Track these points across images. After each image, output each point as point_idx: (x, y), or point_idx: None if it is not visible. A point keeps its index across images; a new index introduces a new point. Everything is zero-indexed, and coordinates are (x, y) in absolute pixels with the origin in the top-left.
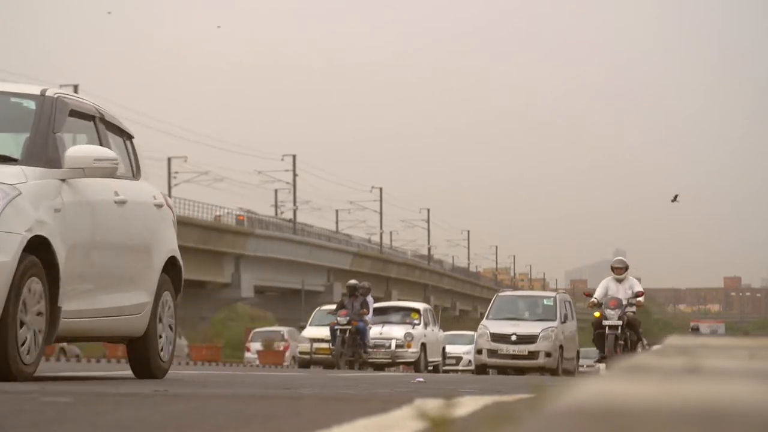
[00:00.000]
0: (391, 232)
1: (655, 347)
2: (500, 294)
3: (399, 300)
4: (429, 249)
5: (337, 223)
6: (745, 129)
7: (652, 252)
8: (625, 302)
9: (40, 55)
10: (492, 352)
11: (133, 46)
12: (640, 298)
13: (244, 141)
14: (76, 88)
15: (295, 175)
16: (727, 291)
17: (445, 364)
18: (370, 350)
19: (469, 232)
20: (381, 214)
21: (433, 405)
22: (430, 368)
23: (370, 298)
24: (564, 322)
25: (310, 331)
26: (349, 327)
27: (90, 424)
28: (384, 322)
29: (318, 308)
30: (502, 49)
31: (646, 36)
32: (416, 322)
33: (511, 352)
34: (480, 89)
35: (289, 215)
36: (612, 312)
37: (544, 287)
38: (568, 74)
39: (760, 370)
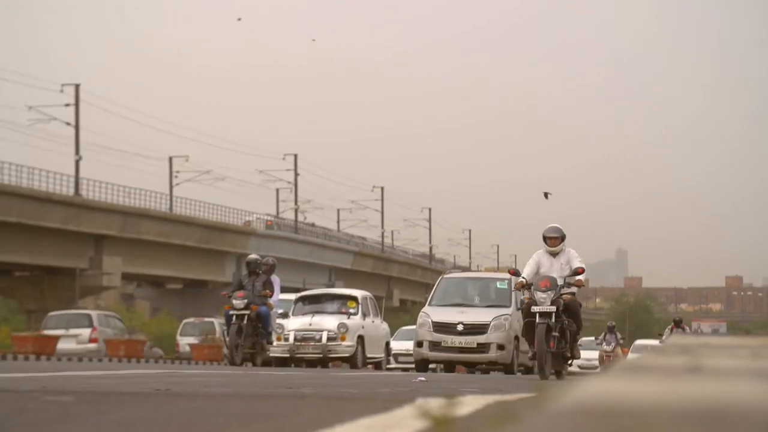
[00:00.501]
0: (392, 232)
1: (640, 342)
2: (446, 276)
3: (400, 299)
4: (430, 248)
5: (338, 222)
6: (747, 128)
7: (653, 251)
8: (560, 282)
9: (41, 54)
10: (434, 345)
11: (135, 45)
12: (580, 276)
13: (245, 140)
14: (77, 88)
15: (296, 174)
16: (729, 290)
17: (390, 362)
18: (301, 344)
19: (470, 231)
20: (382, 213)
21: (435, 404)
22: (370, 366)
23: (275, 277)
24: (521, 308)
25: None
26: (248, 312)
27: (92, 423)
28: (315, 312)
29: None
30: (502, 49)
31: (645, 36)
32: (353, 311)
33: (458, 345)
34: (481, 89)
35: (309, 218)
36: (543, 295)
37: None
38: (568, 74)
39: (762, 369)
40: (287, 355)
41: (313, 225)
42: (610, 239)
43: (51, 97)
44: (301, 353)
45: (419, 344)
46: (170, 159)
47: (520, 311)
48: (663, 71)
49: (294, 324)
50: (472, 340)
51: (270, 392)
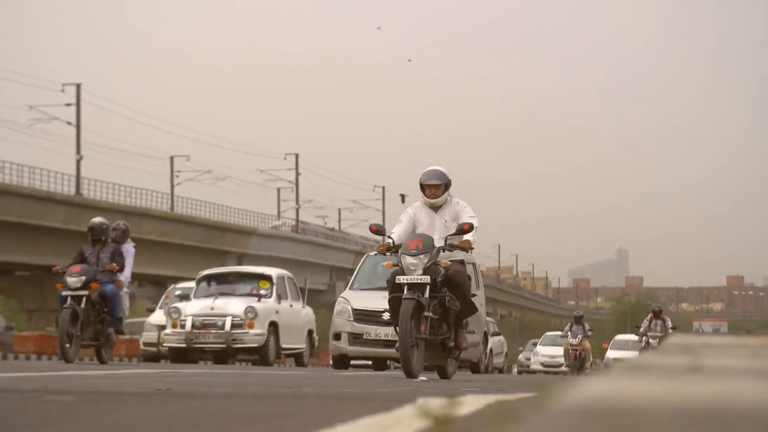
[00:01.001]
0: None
1: (621, 337)
2: (372, 253)
3: None
4: None
5: (339, 222)
6: (747, 127)
7: (654, 251)
8: (439, 242)
9: (42, 54)
10: (355, 337)
11: (136, 45)
12: (469, 236)
13: (246, 140)
14: (78, 88)
15: (297, 174)
16: (730, 290)
17: (313, 354)
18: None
19: None
20: (383, 212)
21: (436, 404)
22: (284, 360)
23: (128, 247)
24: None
25: (159, 317)
26: (87, 292)
27: (93, 423)
28: (220, 294)
29: (173, 285)
30: (502, 49)
31: (645, 36)
32: (265, 293)
33: (383, 337)
34: (482, 89)
35: (329, 223)
36: (413, 260)
37: (546, 286)
38: (568, 74)
39: (763, 368)
40: (183, 345)
41: (332, 229)
42: (611, 239)
43: (52, 96)
44: (201, 343)
45: (336, 336)
46: (171, 158)
47: None
48: (663, 71)
49: (193, 308)
50: None
51: (270, 392)
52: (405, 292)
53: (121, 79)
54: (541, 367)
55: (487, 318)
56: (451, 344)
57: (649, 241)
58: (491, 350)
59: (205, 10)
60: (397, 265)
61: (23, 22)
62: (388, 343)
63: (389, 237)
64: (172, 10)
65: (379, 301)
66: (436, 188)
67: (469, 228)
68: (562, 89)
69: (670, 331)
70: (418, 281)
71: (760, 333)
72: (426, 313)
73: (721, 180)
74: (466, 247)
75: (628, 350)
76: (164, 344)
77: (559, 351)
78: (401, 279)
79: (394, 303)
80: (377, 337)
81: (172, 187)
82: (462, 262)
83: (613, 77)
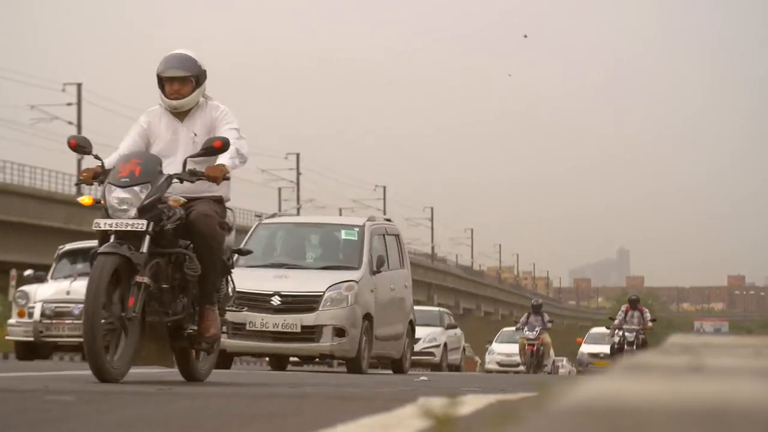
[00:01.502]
0: None
1: (596, 330)
2: (265, 221)
3: None
4: (432, 247)
5: None
6: (748, 127)
7: (655, 251)
8: (175, 168)
9: (42, 54)
10: (237, 329)
11: (137, 45)
12: (225, 158)
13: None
14: (79, 87)
15: (298, 173)
16: (731, 289)
17: None
18: None
19: (472, 230)
20: (384, 212)
21: (437, 403)
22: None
23: None
24: (378, 271)
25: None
26: None
27: (94, 423)
28: (80, 275)
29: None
30: (502, 49)
31: (645, 36)
32: None
33: (271, 328)
34: (482, 89)
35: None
36: (123, 196)
37: (547, 285)
38: (568, 74)
39: (764, 368)
40: (31, 339)
41: None
42: (612, 239)
43: (53, 96)
44: (53, 336)
45: None
46: None
47: (379, 275)
48: (663, 71)
49: (45, 292)
50: (294, 321)
51: (271, 392)
52: (110, 243)
53: (122, 78)
54: (497, 367)
55: (442, 308)
56: (192, 330)
57: (650, 241)
58: (445, 345)
59: (206, 10)
60: (100, 202)
61: (24, 21)
62: (278, 336)
63: (97, 158)
64: (172, 10)
65: (269, 281)
66: (180, 83)
67: (222, 145)
68: (562, 89)
69: (650, 324)
70: (129, 227)
71: (761, 333)
72: (140, 279)
73: (722, 180)
74: (216, 176)
75: (605, 344)
76: (7, 337)
77: (516, 348)
78: (102, 223)
79: (94, 261)
80: (264, 328)
81: None
82: (219, 201)
83: (613, 77)
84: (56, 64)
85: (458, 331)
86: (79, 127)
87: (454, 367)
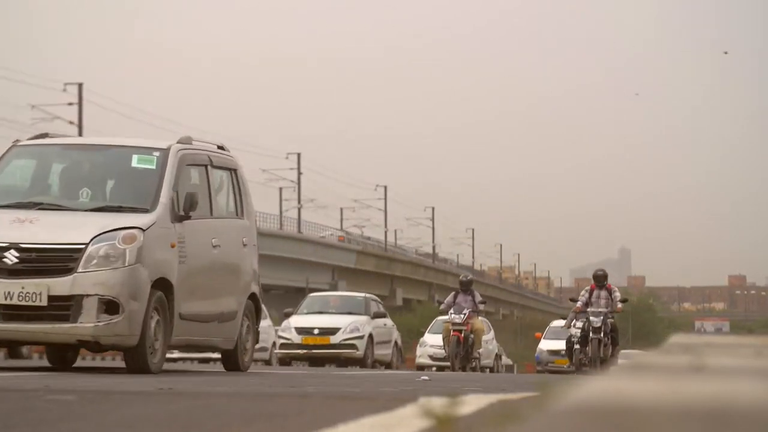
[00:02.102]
0: (395, 231)
1: (556, 323)
2: (22, 143)
3: (404, 298)
4: (434, 247)
5: (341, 221)
6: (750, 126)
7: (656, 250)
8: None
9: (43, 54)
10: None
11: (138, 45)
12: None
13: (248, 139)
14: (80, 87)
15: (299, 173)
16: (732, 289)
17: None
18: None
19: (473, 230)
20: (386, 212)
21: (437, 403)
22: None
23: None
24: (187, 217)
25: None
26: None
27: (95, 422)
28: None
29: None
30: (502, 49)
31: (646, 36)
32: None
33: (1, 300)
34: (482, 89)
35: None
36: None
37: (548, 285)
38: (568, 74)
39: (765, 368)
40: None
41: (369, 239)
42: (613, 238)
43: (54, 96)
44: None
45: None
46: None
47: (180, 221)
48: (663, 71)
49: None
50: (38, 289)
51: (273, 391)
52: None
53: (123, 78)
54: (429, 361)
55: (369, 295)
56: None
57: (652, 241)
58: (371, 337)
59: (207, 10)
60: None
61: (25, 21)
62: (12, 312)
63: None
64: (173, 10)
65: (3, 228)
66: None
67: None
68: (562, 89)
69: (619, 305)
70: None
71: (761, 332)
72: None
73: (723, 179)
74: None
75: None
76: None
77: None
78: None
79: None
80: None
81: None
82: None
83: (613, 77)
84: (57, 64)
85: (388, 321)
86: (80, 127)
87: (385, 365)
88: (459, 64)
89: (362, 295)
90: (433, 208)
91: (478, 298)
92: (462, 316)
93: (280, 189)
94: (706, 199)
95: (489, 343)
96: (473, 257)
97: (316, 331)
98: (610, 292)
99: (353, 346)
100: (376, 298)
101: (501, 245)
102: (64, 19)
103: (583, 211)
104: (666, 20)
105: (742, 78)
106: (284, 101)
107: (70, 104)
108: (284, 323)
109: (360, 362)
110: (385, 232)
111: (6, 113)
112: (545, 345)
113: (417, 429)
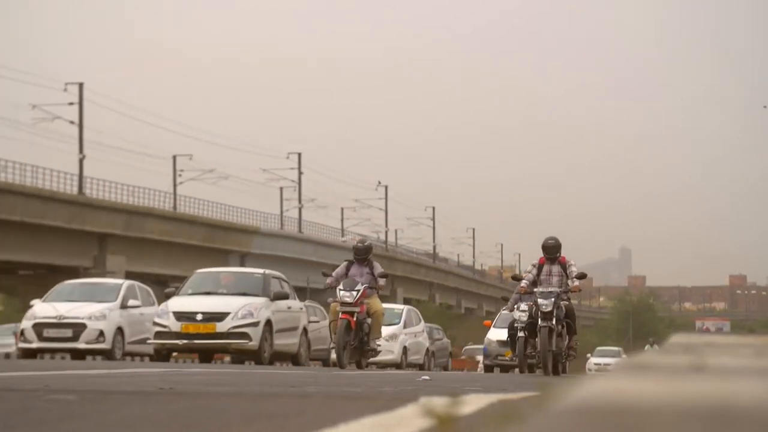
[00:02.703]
0: (396, 230)
1: (505, 313)
2: None
3: (404, 297)
4: (434, 247)
5: (342, 221)
6: (749, 126)
7: (657, 250)
8: None
9: (44, 53)
10: None
11: (138, 44)
12: None
13: (249, 139)
14: (81, 87)
15: (300, 173)
16: (733, 289)
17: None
18: None
19: (474, 230)
20: (386, 212)
21: (438, 403)
22: None
23: None
24: None
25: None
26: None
27: (95, 422)
28: None
29: None
30: (502, 49)
31: (645, 36)
32: None
33: None
34: (482, 89)
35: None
36: None
37: None
38: (568, 74)
39: (766, 368)
40: None
41: (385, 242)
42: (614, 238)
43: (55, 95)
44: None
45: None
46: (174, 158)
47: None
48: (663, 71)
49: None
50: None
51: (273, 391)
52: None
53: (124, 78)
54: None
55: (270, 271)
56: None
57: (652, 241)
58: (270, 324)
59: (208, 9)
60: None
61: (26, 21)
62: None
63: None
64: (174, 10)
65: None
66: None
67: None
68: (562, 89)
69: (576, 282)
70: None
71: (762, 332)
72: None
73: (723, 179)
74: None
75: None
76: None
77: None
78: None
79: None
80: None
81: (175, 186)
82: None
83: (613, 77)
84: (58, 64)
85: (295, 303)
86: (80, 126)
87: (289, 358)
88: (459, 64)
89: (260, 271)
90: (433, 208)
91: (378, 269)
92: (354, 293)
93: (281, 189)
94: (706, 199)
95: (419, 336)
96: (474, 257)
97: (199, 317)
98: (564, 266)
99: (245, 335)
100: (281, 275)
101: (502, 245)
102: (64, 19)
103: (584, 211)
104: (666, 20)
105: (743, 78)
106: (284, 101)
107: (71, 104)
108: (161, 306)
109: (254, 355)
110: (386, 232)
111: (6, 113)
112: (494, 335)
113: (418, 429)
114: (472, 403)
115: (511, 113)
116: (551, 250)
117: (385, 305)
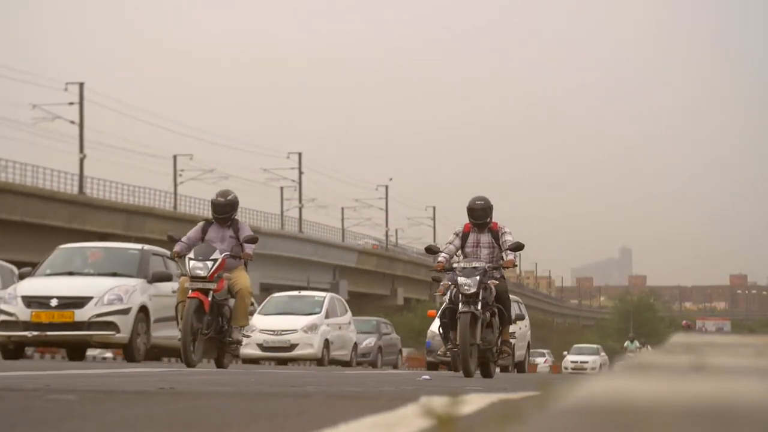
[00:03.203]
0: (396, 230)
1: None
2: None
3: (405, 297)
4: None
5: (342, 221)
6: (750, 126)
7: (657, 250)
8: None
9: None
10: None
11: (139, 44)
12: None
13: (249, 139)
14: (81, 86)
15: (300, 173)
16: (733, 289)
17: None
18: None
19: None
20: (387, 211)
21: (439, 403)
22: None
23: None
24: None
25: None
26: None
27: (96, 422)
28: None
29: None
30: (502, 49)
31: (645, 36)
32: None
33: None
34: (482, 89)
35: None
36: None
37: (549, 285)
38: (568, 74)
39: (766, 367)
40: None
41: (385, 242)
42: (614, 238)
43: (55, 95)
44: None
45: None
46: (174, 157)
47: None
48: (663, 71)
49: None
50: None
51: (274, 391)
52: None
53: (125, 78)
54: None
55: (151, 248)
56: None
57: (653, 240)
58: (146, 311)
59: (209, 9)
60: None
61: (26, 20)
62: None
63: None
64: (174, 9)
65: None
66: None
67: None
68: (562, 89)
69: (511, 255)
70: None
71: (763, 332)
72: None
73: (723, 179)
74: None
75: None
76: None
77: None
78: None
79: None
80: None
81: (176, 186)
82: None
83: (613, 77)
84: (58, 64)
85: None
86: (81, 126)
87: (173, 354)
88: (459, 64)
89: (138, 247)
90: (434, 208)
91: (246, 231)
92: (210, 263)
93: (281, 189)
94: (706, 199)
95: (344, 328)
96: None
97: (53, 302)
98: (496, 235)
99: (111, 325)
100: (165, 251)
101: None
102: (64, 19)
103: (584, 211)
104: (666, 20)
105: (743, 78)
106: (284, 101)
107: (71, 104)
108: (9, 290)
109: (124, 350)
110: (386, 232)
111: (7, 113)
112: (437, 327)
113: (418, 428)
114: (473, 402)
115: (511, 113)
116: (479, 214)
117: (304, 292)
